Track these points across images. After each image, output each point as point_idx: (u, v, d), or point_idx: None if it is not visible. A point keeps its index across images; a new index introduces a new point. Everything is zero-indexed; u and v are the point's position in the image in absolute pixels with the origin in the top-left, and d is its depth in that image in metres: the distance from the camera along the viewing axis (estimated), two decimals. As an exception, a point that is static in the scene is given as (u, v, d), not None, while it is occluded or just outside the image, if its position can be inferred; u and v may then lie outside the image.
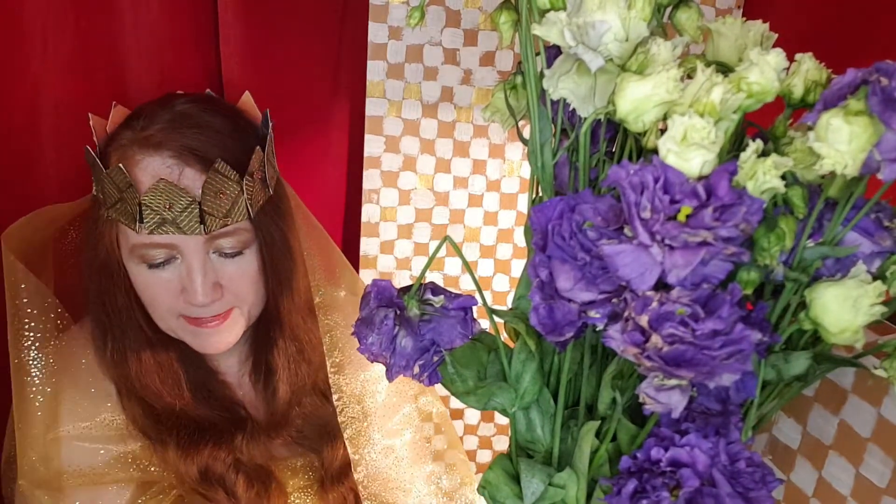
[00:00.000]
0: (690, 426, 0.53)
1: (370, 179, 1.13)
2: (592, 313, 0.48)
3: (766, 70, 0.48)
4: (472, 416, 1.27)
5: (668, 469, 0.52)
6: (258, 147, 0.82)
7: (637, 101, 0.47)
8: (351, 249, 1.15)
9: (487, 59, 1.10)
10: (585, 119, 0.51)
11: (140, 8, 1.01)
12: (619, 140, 0.58)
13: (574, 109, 0.53)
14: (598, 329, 0.49)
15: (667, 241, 0.44)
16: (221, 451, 0.87)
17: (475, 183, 1.16)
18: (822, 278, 0.51)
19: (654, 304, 0.45)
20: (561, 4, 0.52)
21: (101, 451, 0.85)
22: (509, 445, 0.63)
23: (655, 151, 0.46)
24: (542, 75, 0.54)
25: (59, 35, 0.99)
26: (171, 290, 0.82)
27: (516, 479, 0.61)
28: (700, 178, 0.45)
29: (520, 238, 1.20)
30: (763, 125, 0.54)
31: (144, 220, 0.77)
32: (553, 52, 0.54)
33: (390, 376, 0.55)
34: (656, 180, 0.44)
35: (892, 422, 0.62)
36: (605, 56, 0.50)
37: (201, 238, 0.80)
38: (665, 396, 0.47)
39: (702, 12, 0.56)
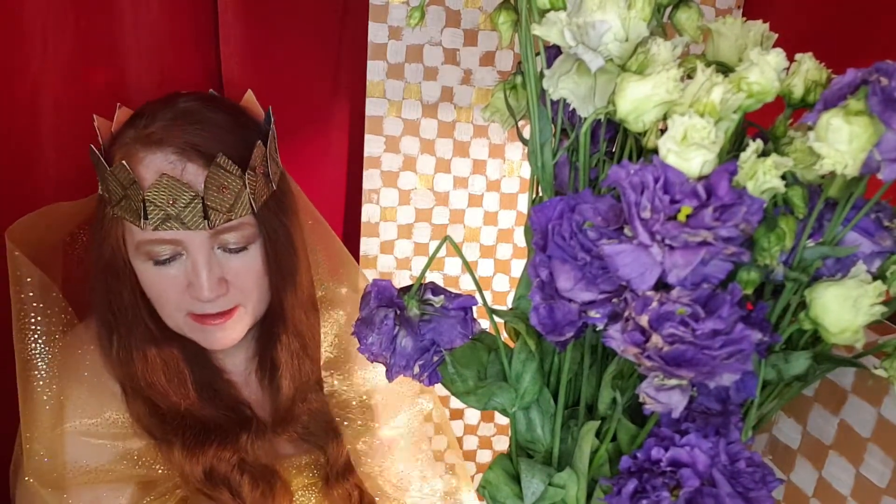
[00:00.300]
0: (690, 426, 0.53)
1: (370, 179, 1.13)
2: (592, 313, 0.48)
3: (767, 70, 0.48)
4: (472, 416, 1.27)
5: (669, 469, 0.52)
6: (259, 141, 0.83)
7: (637, 101, 0.47)
8: (351, 249, 1.14)
9: (487, 59, 1.10)
10: (585, 119, 0.52)
11: (140, 8, 1.01)
12: (619, 140, 0.58)
13: (574, 109, 0.53)
14: (598, 329, 0.49)
15: (667, 241, 0.44)
16: (226, 451, 0.87)
17: (475, 183, 1.16)
18: (823, 278, 0.51)
19: (655, 304, 0.45)
20: (561, 4, 0.52)
21: (107, 448, 0.85)
22: (509, 445, 0.63)
23: (655, 151, 0.46)
24: (541, 75, 0.54)
25: (59, 35, 0.99)
26: (178, 286, 0.82)
27: (516, 479, 0.61)
28: (700, 178, 0.45)
29: (520, 238, 1.20)
30: (763, 125, 0.54)
31: (149, 217, 0.78)
32: (553, 52, 0.54)
33: (390, 376, 0.55)
34: (656, 180, 0.44)
35: (892, 422, 0.62)
36: (605, 56, 0.50)
37: (206, 233, 0.80)
38: (665, 396, 0.47)
39: (702, 12, 0.56)
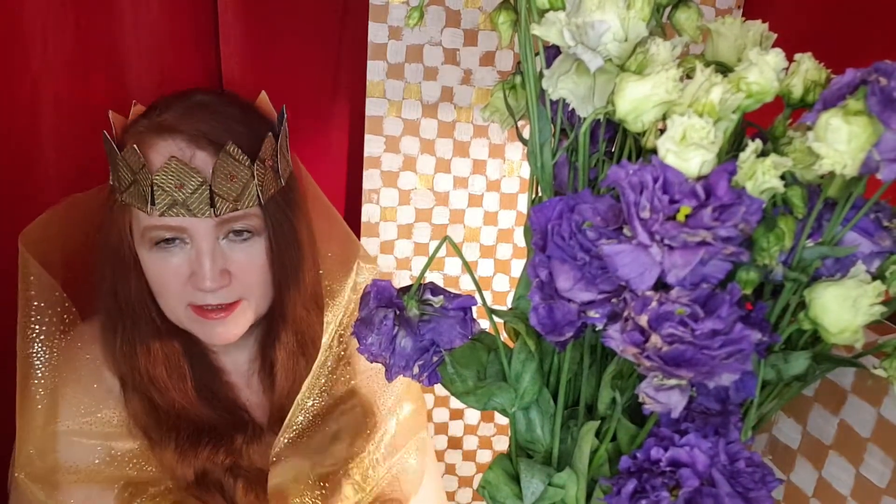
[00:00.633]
0: (690, 426, 0.53)
1: (370, 179, 1.13)
2: (592, 313, 0.48)
3: (766, 70, 0.48)
4: (472, 416, 1.27)
5: (668, 469, 0.52)
6: (270, 133, 0.84)
7: (636, 101, 0.47)
8: (351, 249, 1.15)
9: (487, 59, 1.10)
10: (585, 119, 0.51)
11: (140, 8, 1.01)
12: (618, 140, 0.58)
13: (573, 109, 0.53)
14: (597, 329, 0.49)
15: (666, 241, 0.44)
16: (220, 454, 0.87)
17: (475, 183, 1.16)
18: (822, 278, 0.51)
19: (654, 304, 0.45)
20: (560, 4, 0.52)
21: (99, 449, 0.85)
22: (509, 445, 0.63)
23: (655, 151, 0.46)
24: (541, 75, 0.54)
25: (59, 35, 0.99)
26: (180, 275, 0.82)
27: (516, 479, 0.61)
28: (699, 178, 0.45)
29: (520, 238, 1.20)
30: (762, 125, 0.54)
31: (156, 202, 0.78)
32: (552, 52, 0.54)
33: (389, 376, 0.55)
34: (655, 180, 0.44)
35: (892, 422, 0.62)
36: (605, 56, 0.50)
37: (211, 222, 0.81)
38: (664, 396, 0.47)
39: (701, 12, 0.56)
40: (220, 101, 0.87)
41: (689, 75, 0.48)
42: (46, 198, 1.06)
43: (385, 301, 0.55)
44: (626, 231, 0.46)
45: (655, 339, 0.45)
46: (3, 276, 1.07)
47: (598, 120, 0.56)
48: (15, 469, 0.84)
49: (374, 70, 1.07)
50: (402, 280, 1.18)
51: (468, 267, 0.57)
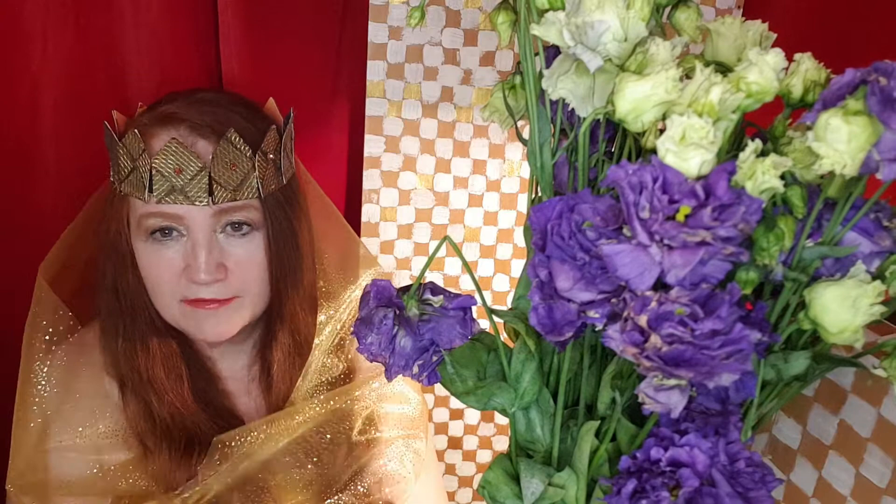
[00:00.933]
0: (690, 426, 0.53)
1: (370, 179, 1.13)
2: (591, 313, 0.48)
3: (765, 70, 0.48)
4: (472, 416, 1.27)
5: (668, 469, 0.52)
6: (273, 127, 0.83)
7: (636, 101, 0.47)
8: (351, 249, 1.15)
9: (487, 59, 1.10)
10: (584, 119, 0.51)
11: (140, 7, 1.01)
12: (618, 140, 0.58)
13: (573, 109, 0.53)
14: (597, 329, 0.49)
15: (665, 241, 0.44)
16: None
17: (475, 183, 1.16)
18: (822, 278, 0.51)
19: (653, 304, 0.45)
20: (559, 4, 0.52)
21: (91, 462, 0.84)
22: (509, 445, 0.63)
23: (654, 151, 0.46)
24: (540, 75, 0.54)
25: (59, 35, 0.99)
26: (174, 268, 0.81)
27: (516, 479, 0.61)
28: (699, 178, 0.45)
29: (520, 238, 1.20)
30: (762, 125, 0.54)
31: (154, 188, 0.78)
32: (552, 52, 0.54)
33: (389, 376, 0.55)
34: (655, 180, 0.44)
35: (892, 422, 0.62)
36: (604, 56, 0.50)
37: (209, 211, 0.80)
38: (664, 396, 0.47)
39: (701, 12, 0.56)
40: (225, 97, 0.87)
41: (688, 75, 0.48)
42: (46, 198, 1.06)
43: (385, 301, 0.55)
44: (625, 231, 0.46)
45: (655, 339, 0.45)
46: (2, 276, 1.07)
47: (598, 120, 0.56)
48: (6, 482, 0.84)
49: (374, 70, 1.07)
50: (402, 280, 1.18)
51: (468, 267, 0.57)
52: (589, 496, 0.59)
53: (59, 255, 0.90)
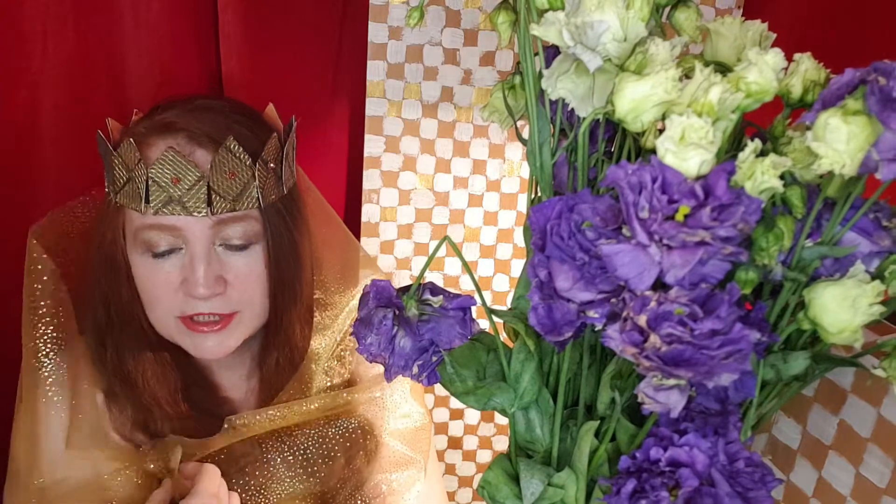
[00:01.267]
0: (689, 426, 0.53)
1: (370, 179, 1.13)
2: (591, 313, 0.48)
3: (765, 70, 0.48)
4: (472, 416, 1.27)
5: (667, 469, 0.52)
6: (274, 135, 0.81)
7: (635, 101, 0.47)
8: (351, 250, 1.15)
9: (487, 59, 1.10)
10: (584, 119, 0.51)
11: (140, 7, 1.01)
12: (617, 140, 0.58)
13: (573, 109, 0.53)
14: (596, 329, 0.49)
15: (665, 241, 0.44)
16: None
17: (475, 183, 1.16)
18: (821, 278, 0.51)
19: (653, 304, 0.45)
20: (559, 4, 0.52)
21: (87, 468, 0.83)
22: (509, 445, 0.63)
23: (654, 151, 0.46)
24: (540, 75, 0.54)
25: (58, 35, 0.99)
26: (172, 283, 0.79)
27: (516, 479, 0.61)
28: (698, 178, 0.45)
29: (520, 238, 1.20)
30: (762, 125, 0.54)
31: (151, 199, 0.76)
32: (552, 52, 0.54)
33: (388, 376, 0.55)
34: (654, 180, 0.45)
35: (891, 422, 0.62)
36: (604, 56, 0.50)
37: (207, 222, 0.78)
38: (664, 396, 0.47)
39: (700, 12, 0.56)
40: (224, 105, 0.85)
41: (688, 75, 0.48)
42: (46, 199, 1.06)
43: (384, 301, 0.55)
44: (624, 231, 0.46)
45: (654, 339, 0.45)
46: (2, 276, 1.07)
47: (598, 120, 0.56)
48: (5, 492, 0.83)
49: (374, 70, 1.07)
50: (401, 280, 1.18)
51: (468, 267, 0.57)
52: (589, 496, 0.59)
53: (54, 225, 0.88)
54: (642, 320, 0.45)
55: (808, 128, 0.46)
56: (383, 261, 1.17)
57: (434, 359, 0.56)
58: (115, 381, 0.85)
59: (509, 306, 0.61)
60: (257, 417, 0.86)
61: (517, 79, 0.60)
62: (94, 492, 0.83)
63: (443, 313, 0.55)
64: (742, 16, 1.07)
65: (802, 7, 1.04)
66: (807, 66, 0.52)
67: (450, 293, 0.56)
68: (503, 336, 0.61)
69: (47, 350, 0.85)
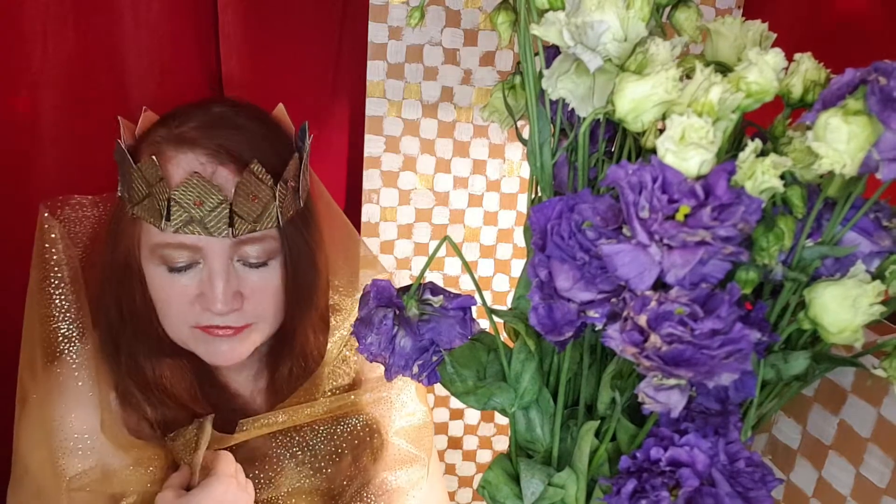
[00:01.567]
0: (690, 426, 0.53)
1: (370, 179, 1.13)
2: (591, 313, 0.48)
3: (765, 70, 0.48)
4: (472, 416, 1.27)
5: (668, 469, 0.52)
6: (296, 154, 0.81)
7: (636, 100, 0.47)
8: (351, 250, 1.14)
9: (487, 59, 1.10)
10: (584, 119, 0.52)
11: (140, 7, 1.01)
12: (617, 140, 0.58)
13: (573, 109, 0.53)
14: (597, 329, 0.49)
15: (665, 241, 0.44)
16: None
17: (475, 183, 1.16)
18: (821, 278, 0.51)
19: (653, 304, 0.45)
20: (559, 4, 0.52)
21: (97, 465, 0.83)
22: (509, 445, 0.63)
23: (654, 151, 0.46)
24: (540, 75, 0.54)
25: (58, 35, 0.99)
26: (188, 295, 0.79)
27: (516, 478, 0.61)
28: (698, 178, 0.45)
29: (520, 238, 1.20)
30: (762, 125, 0.54)
31: (171, 218, 0.75)
32: (552, 52, 0.54)
33: (389, 376, 0.55)
34: (655, 180, 0.45)
35: (892, 422, 0.62)
36: (604, 56, 0.50)
37: (227, 242, 0.77)
38: (664, 396, 0.47)
39: (701, 12, 0.56)
40: (241, 114, 0.83)
41: (688, 75, 0.48)
42: (46, 199, 1.06)
43: (384, 301, 0.55)
44: (625, 231, 0.46)
45: (655, 339, 0.45)
46: (2, 276, 1.07)
47: (598, 120, 0.56)
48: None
49: (374, 70, 1.07)
50: (402, 280, 1.18)
51: (468, 267, 0.57)
52: (589, 496, 0.59)
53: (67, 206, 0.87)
54: (642, 320, 0.45)
55: (809, 128, 0.46)
56: (383, 261, 1.17)
57: (434, 359, 0.56)
58: (130, 381, 0.85)
59: (509, 306, 0.61)
60: (269, 420, 0.86)
61: (517, 79, 0.60)
62: (111, 485, 0.83)
63: (443, 313, 0.55)
64: (742, 16, 1.07)
65: (802, 7, 1.04)
66: (807, 66, 0.52)
67: (450, 293, 0.56)
68: (503, 336, 0.61)
69: (72, 335, 0.84)
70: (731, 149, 0.51)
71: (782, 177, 0.47)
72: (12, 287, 1.08)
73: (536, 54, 0.55)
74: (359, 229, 1.14)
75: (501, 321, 0.60)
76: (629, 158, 0.55)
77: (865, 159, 0.44)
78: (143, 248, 0.80)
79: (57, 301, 0.84)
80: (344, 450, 0.91)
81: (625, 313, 0.47)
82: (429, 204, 1.16)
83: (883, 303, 0.49)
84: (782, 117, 0.53)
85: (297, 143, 0.85)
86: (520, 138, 0.61)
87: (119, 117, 0.82)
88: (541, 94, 0.55)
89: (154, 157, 0.76)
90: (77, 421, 0.83)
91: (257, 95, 0.92)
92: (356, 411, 0.93)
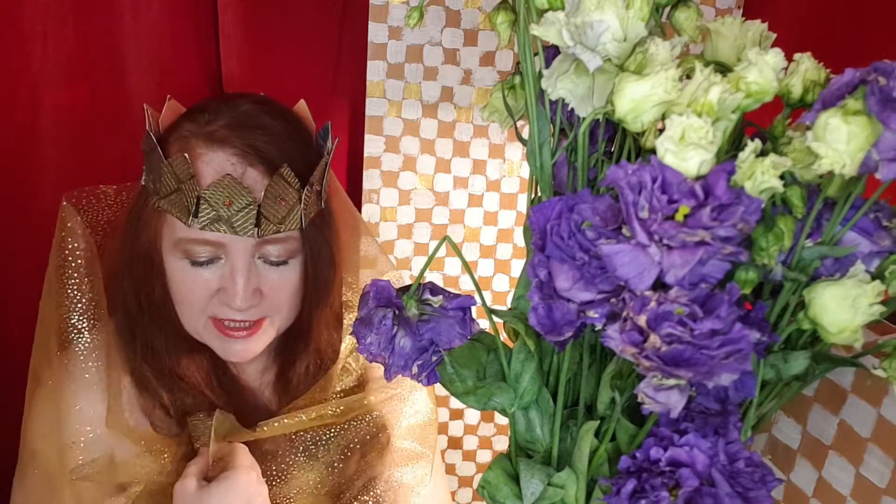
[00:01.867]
0: (689, 426, 0.53)
1: (370, 179, 1.13)
2: (591, 313, 0.48)
3: (765, 70, 0.48)
4: (472, 416, 1.27)
5: (668, 469, 0.52)
6: (322, 160, 0.82)
7: (635, 100, 0.47)
8: (351, 249, 1.14)
9: (487, 59, 1.10)
10: (584, 119, 0.52)
11: (140, 8, 1.01)
12: (617, 140, 0.58)
13: (572, 109, 0.53)
14: (596, 329, 0.49)
15: (665, 241, 0.44)
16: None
17: (475, 183, 1.16)
18: (821, 278, 0.51)
19: (653, 304, 0.45)
20: (559, 4, 0.52)
21: (105, 453, 0.84)
22: (509, 445, 0.63)
23: (653, 151, 0.46)
24: (540, 75, 0.54)
25: (59, 35, 0.99)
26: (209, 289, 0.80)
27: (516, 479, 0.61)
28: (698, 178, 0.45)
29: (520, 238, 1.20)
30: (762, 125, 0.54)
31: (200, 215, 0.76)
32: (551, 52, 0.54)
33: (388, 376, 0.56)
34: (654, 180, 0.44)
35: (891, 422, 0.62)
36: (604, 56, 0.50)
37: (251, 241, 0.79)
38: (664, 396, 0.47)
39: (700, 12, 0.56)
40: (267, 112, 0.83)
41: (688, 75, 0.48)
42: (46, 199, 1.06)
43: (384, 301, 0.55)
44: (624, 231, 0.46)
45: (654, 339, 0.45)
46: (2, 276, 1.07)
47: (598, 120, 0.56)
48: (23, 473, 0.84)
49: (374, 70, 1.07)
50: (402, 280, 1.17)
51: (468, 267, 0.57)
52: (589, 496, 0.59)
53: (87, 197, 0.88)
54: (642, 320, 0.45)
55: (808, 128, 0.46)
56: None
57: (434, 359, 0.56)
58: (147, 368, 0.85)
59: (509, 306, 0.61)
60: (285, 422, 0.87)
61: (517, 79, 0.60)
62: (118, 475, 0.83)
63: (443, 313, 0.55)
64: (742, 16, 1.07)
65: (802, 7, 1.04)
66: (807, 66, 0.52)
67: (450, 293, 0.56)
68: (503, 336, 0.61)
69: (82, 326, 0.85)
70: (731, 149, 0.51)
71: (782, 177, 0.47)
72: (13, 286, 1.08)
73: (536, 54, 0.55)
74: (359, 229, 1.14)
75: (501, 321, 0.60)
76: (629, 158, 0.55)
77: (865, 159, 0.44)
78: (165, 241, 0.81)
79: (70, 291, 0.85)
80: (354, 447, 0.92)
81: (624, 313, 0.47)
82: (429, 204, 1.16)
83: (883, 303, 0.49)
84: (782, 117, 0.53)
85: (317, 142, 0.86)
86: (520, 138, 0.61)
87: (145, 105, 0.82)
88: (540, 94, 0.55)
89: (186, 154, 0.76)
90: (83, 413, 0.83)
91: (250, 90, 0.92)
92: (368, 409, 0.94)
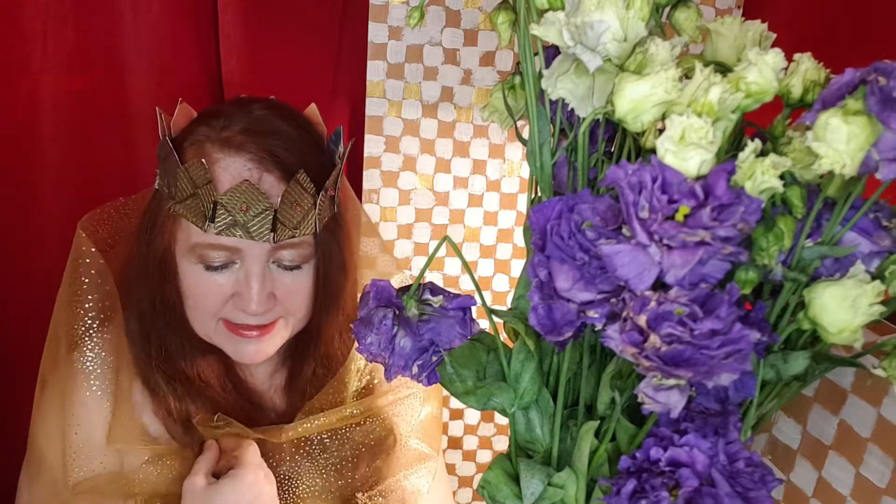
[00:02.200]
0: (689, 426, 0.53)
1: (370, 179, 1.13)
2: (591, 313, 0.48)
3: (765, 70, 0.48)
4: (472, 416, 1.27)
5: (668, 469, 0.52)
6: (336, 166, 0.82)
7: (635, 100, 0.47)
8: (351, 249, 1.14)
9: (487, 59, 1.10)
10: (584, 119, 0.52)
11: (140, 7, 1.01)
12: (617, 140, 0.58)
13: (572, 109, 0.53)
14: (596, 329, 0.49)
15: (665, 241, 0.44)
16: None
17: (475, 183, 1.16)
18: (821, 278, 0.51)
19: (653, 304, 0.45)
20: (559, 4, 0.52)
21: (113, 461, 0.84)
22: (509, 445, 0.63)
23: (654, 151, 0.46)
24: (540, 75, 0.54)
25: (58, 35, 0.99)
26: (223, 293, 0.81)
27: (516, 479, 0.61)
28: (698, 178, 0.45)
29: (520, 238, 1.20)
30: (762, 125, 0.54)
31: (216, 220, 0.76)
32: (551, 52, 0.54)
33: (388, 376, 0.56)
34: (654, 180, 0.44)
35: (891, 422, 0.62)
36: (604, 56, 0.50)
37: (266, 246, 0.79)
38: (664, 396, 0.47)
39: (700, 12, 0.56)
40: (281, 117, 0.83)
41: (688, 75, 0.48)
42: (46, 199, 1.06)
43: (384, 301, 0.55)
44: (624, 231, 0.46)
45: (654, 339, 0.45)
46: (2, 276, 1.07)
47: (598, 120, 0.56)
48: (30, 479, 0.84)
49: (374, 70, 1.07)
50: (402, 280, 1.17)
51: (468, 267, 0.57)
52: (589, 496, 0.59)
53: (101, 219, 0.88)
54: (642, 320, 0.45)
55: (808, 128, 0.46)
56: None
57: (434, 359, 0.56)
58: (161, 372, 0.85)
59: (509, 306, 0.61)
60: (306, 426, 0.88)
61: (517, 79, 0.60)
62: (124, 485, 0.83)
63: (443, 313, 0.55)
64: (742, 16, 1.07)
65: (802, 7, 1.04)
66: (807, 66, 0.52)
67: (450, 293, 0.56)
68: (503, 336, 0.61)
69: (92, 344, 0.85)
70: (731, 149, 0.51)
71: (782, 177, 0.47)
72: (12, 287, 1.08)
73: (536, 54, 0.55)
74: (359, 229, 1.14)
75: (501, 321, 0.60)
76: (629, 158, 0.55)
77: (865, 159, 0.44)
78: (179, 245, 0.81)
79: (86, 325, 0.85)
80: (362, 451, 0.92)
81: (624, 313, 0.47)
82: (429, 204, 1.16)
83: (883, 303, 0.49)
84: (782, 117, 0.53)
85: (329, 146, 0.86)
86: (520, 138, 0.61)
87: (157, 109, 0.82)
88: (540, 94, 0.55)
89: (203, 160, 0.76)
90: (86, 427, 0.83)
91: (257, 95, 0.92)
92: (377, 413, 0.94)
